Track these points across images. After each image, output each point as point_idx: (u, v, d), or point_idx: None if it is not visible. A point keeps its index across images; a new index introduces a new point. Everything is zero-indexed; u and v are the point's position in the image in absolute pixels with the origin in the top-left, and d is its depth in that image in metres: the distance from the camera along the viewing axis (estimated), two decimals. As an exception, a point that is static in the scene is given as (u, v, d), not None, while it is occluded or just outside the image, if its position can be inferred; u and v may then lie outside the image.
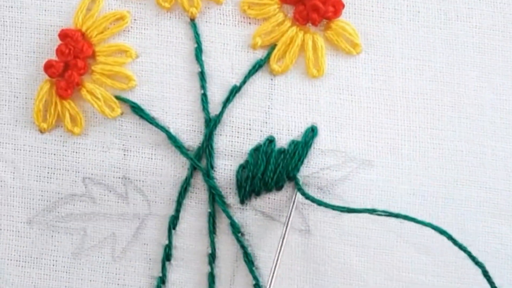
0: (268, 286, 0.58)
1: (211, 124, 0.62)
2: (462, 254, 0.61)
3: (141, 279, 0.64)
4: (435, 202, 0.62)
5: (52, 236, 0.64)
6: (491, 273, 0.61)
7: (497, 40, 0.63)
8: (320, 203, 0.60)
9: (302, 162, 0.62)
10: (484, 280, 0.61)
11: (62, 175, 0.64)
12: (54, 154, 0.64)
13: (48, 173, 0.64)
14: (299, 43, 0.62)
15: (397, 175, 0.62)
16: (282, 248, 0.59)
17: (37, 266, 0.64)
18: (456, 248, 0.61)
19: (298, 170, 0.62)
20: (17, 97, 0.64)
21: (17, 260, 0.64)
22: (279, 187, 0.62)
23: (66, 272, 0.64)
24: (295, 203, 0.61)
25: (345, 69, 0.63)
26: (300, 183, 0.61)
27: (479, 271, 0.61)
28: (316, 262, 0.62)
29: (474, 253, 0.61)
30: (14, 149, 0.64)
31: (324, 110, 0.63)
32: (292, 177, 0.62)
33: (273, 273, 0.58)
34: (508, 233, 0.62)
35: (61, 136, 0.64)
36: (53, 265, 0.64)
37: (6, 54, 0.64)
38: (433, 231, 0.60)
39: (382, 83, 0.63)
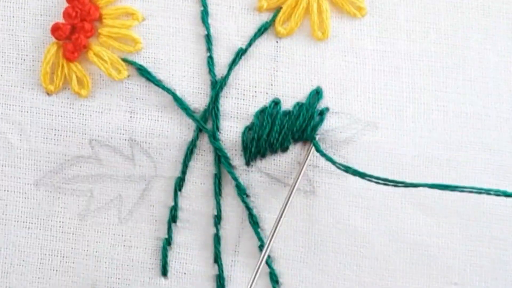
0: (267, 243, 0.59)
1: (217, 86, 0.63)
2: (467, 215, 0.61)
3: (147, 241, 0.64)
4: (439, 164, 0.63)
5: (58, 198, 0.64)
6: (496, 235, 0.62)
7: (501, 2, 0.63)
8: (342, 166, 0.60)
9: (307, 124, 0.62)
10: (488, 242, 0.61)
11: (69, 137, 0.64)
12: (61, 116, 0.64)
13: (55, 135, 0.64)
14: (304, 6, 0.63)
15: (401, 137, 0.63)
16: (285, 210, 0.60)
17: (44, 227, 0.64)
18: (460, 210, 0.62)
19: (305, 132, 0.62)
20: (24, 60, 0.64)
21: (23, 222, 0.65)
22: (284, 149, 0.63)
23: (73, 234, 0.65)
24: (306, 162, 0.61)
25: (350, 32, 0.63)
26: (317, 139, 0.61)
27: (484, 232, 0.61)
28: (321, 223, 0.63)
29: (478, 215, 0.62)
30: (21, 111, 0.64)
31: (329, 73, 0.63)
32: (298, 139, 0.62)
33: (275, 229, 0.59)
34: None
35: (68, 98, 0.64)
36: (60, 227, 0.65)
37: (13, 17, 0.65)
38: (439, 193, 0.61)
39: (387, 45, 0.63)
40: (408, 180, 0.62)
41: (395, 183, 0.57)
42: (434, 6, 0.63)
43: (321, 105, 0.63)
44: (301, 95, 0.63)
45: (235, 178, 0.63)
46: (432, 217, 0.63)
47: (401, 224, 0.63)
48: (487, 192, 0.56)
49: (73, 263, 0.65)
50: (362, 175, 0.58)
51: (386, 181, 0.57)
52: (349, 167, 0.59)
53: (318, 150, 0.61)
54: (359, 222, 0.63)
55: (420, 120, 0.63)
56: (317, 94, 0.63)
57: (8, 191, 0.65)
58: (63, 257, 0.65)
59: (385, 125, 0.63)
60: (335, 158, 0.63)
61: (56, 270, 0.65)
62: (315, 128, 0.62)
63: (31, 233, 0.65)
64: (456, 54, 0.63)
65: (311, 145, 0.61)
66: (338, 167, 0.60)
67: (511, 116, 0.63)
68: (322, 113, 0.62)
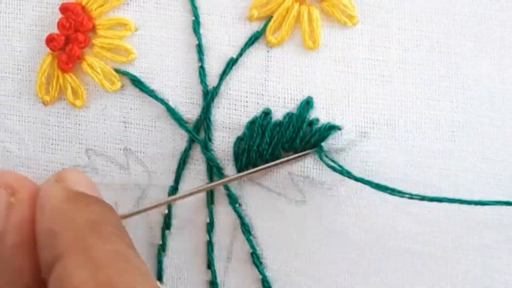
0: None
1: (209, 96, 0.63)
2: (460, 223, 0.61)
3: (142, 247, 0.65)
4: (432, 173, 0.62)
5: (56, 205, 0.66)
6: (488, 243, 0.62)
7: (494, 10, 0.62)
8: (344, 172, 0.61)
9: (297, 135, 0.62)
10: (481, 253, 0.61)
11: (66, 147, 0.65)
12: (58, 126, 0.65)
13: (52, 144, 0.65)
14: (295, 14, 0.62)
15: (393, 147, 0.62)
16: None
17: (41, 236, 0.66)
18: (452, 218, 0.62)
19: (294, 143, 0.62)
20: (20, 70, 0.65)
21: (22, 230, 0.66)
22: (275, 159, 0.63)
23: (69, 242, 0.66)
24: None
25: (342, 41, 0.63)
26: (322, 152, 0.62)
27: (476, 241, 0.61)
28: (313, 232, 0.63)
29: (472, 225, 0.62)
30: (19, 121, 0.66)
31: (320, 82, 0.63)
32: (288, 149, 0.62)
33: None
34: None
35: (63, 108, 0.65)
36: (58, 234, 0.66)
37: (8, 27, 0.65)
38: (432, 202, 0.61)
39: (378, 54, 0.62)
40: (402, 189, 0.62)
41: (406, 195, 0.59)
42: (427, 14, 0.62)
43: (312, 115, 0.63)
44: (292, 105, 0.63)
45: (226, 188, 0.63)
46: (424, 225, 0.63)
47: (393, 233, 0.63)
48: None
49: (70, 270, 0.66)
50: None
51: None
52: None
53: (321, 159, 0.61)
54: (351, 230, 0.63)
55: (413, 129, 0.62)
56: (307, 104, 0.63)
57: (7, 199, 0.66)
58: (60, 264, 0.66)
59: (377, 135, 0.63)
60: (326, 167, 0.63)
61: (53, 278, 0.66)
62: (304, 139, 0.62)
63: (29, 241, 0.66)
64: (449, 62, 0.62)
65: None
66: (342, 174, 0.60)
67: (505, 124, 0.62)
68: (311, 124, 0.62)
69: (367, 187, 0.62)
